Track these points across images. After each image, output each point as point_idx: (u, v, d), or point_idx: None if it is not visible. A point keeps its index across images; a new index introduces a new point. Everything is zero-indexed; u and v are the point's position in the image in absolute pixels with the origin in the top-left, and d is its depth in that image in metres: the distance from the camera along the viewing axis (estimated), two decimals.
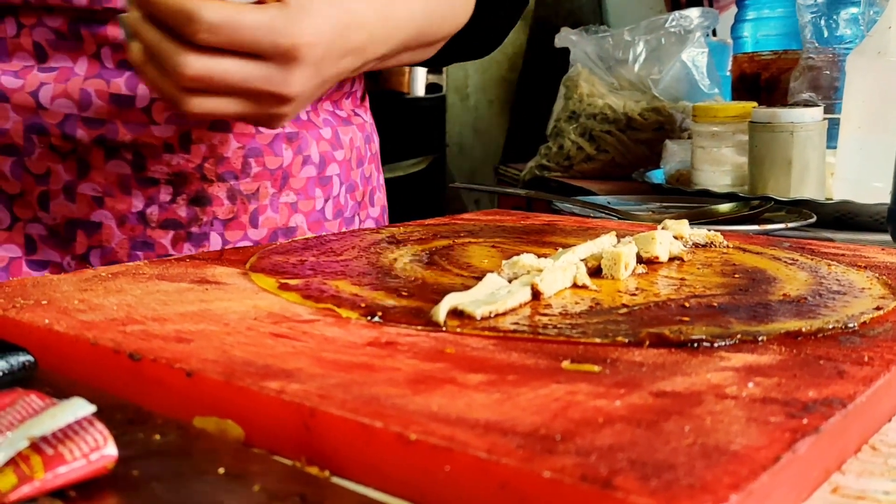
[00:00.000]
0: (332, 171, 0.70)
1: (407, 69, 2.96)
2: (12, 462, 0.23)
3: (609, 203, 0.95)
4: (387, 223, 0.81)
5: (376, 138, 0.81)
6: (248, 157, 0.64)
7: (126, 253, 0.61)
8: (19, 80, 0.58)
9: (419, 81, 3.04)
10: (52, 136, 0.58)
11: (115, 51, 0.59)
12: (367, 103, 0.80)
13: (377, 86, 2.92)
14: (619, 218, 0.83)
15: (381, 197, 0.81)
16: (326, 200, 0.70)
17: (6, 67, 0.58)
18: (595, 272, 0.46)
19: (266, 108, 0.51)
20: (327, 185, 0.70)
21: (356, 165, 0.74)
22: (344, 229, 0.72)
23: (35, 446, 0.23)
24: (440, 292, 0.40)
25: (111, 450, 0.24)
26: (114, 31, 0.58)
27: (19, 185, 0.59)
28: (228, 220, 0.64)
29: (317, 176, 0.69)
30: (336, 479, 0.26)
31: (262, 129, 0.64)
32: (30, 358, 0.32)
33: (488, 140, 2.18)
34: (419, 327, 0.36)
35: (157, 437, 0.27)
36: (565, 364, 0.31)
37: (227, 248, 0.63)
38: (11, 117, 0.58)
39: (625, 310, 0.39)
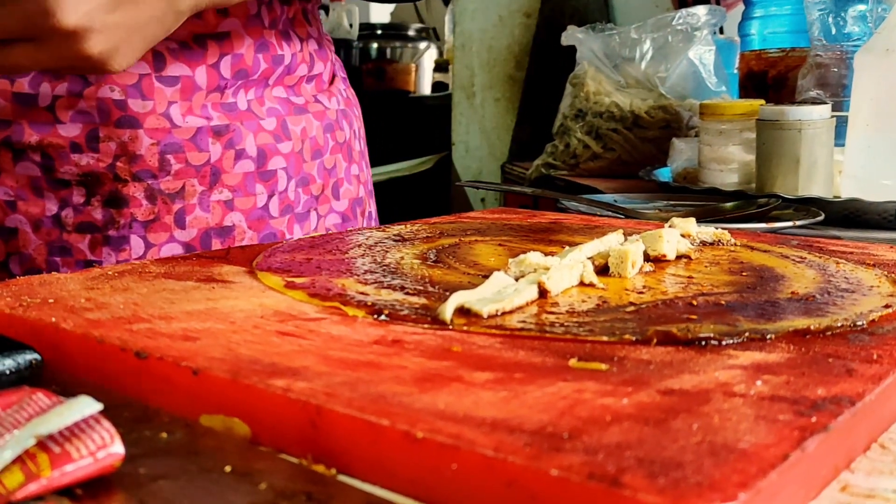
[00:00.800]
0: (275, 164, 0.66)
1: (413, 68, 2.96)
2: (19, 460, 0.23)
3: (616, 201, 0.95)
4: (365, 216, 0.77)
5: (348, 126, 0.76)
6: (166, 154, 0.61)
7: (44, 259, 0.59)
8: None
9: (425, 80, 3.04)
10: None
11: None
12: (337, 87, 0.75)
13: (382, 85, 2.91)
14: (626, 216, 0.83)
15: (350, 189, 0.75)
16: (270, 196, 0.66)
17: None
18: (602, 270, 0.46)
19: (56, 49, 0.47)
20: (270, 179, 0.66)
21: (311, 157, 0.70)
22: (296, 226, 0.69)
23: (42, 444, 0.23)
24: (447, 290, 0.40)
25: (118, 448, 0.24)
26: None
27: None
28: (150, 222, 0.61)
29: (256, 171, 0.65)
30: (342, 478, 0.26)
31: (176, 122, 0.61)
32: (37, 356, 0.32)
33: (494, 138, 2.18)
34: (426, 325, 0.36)
35: (164, 435, 0.27)
36: (572, 362, 0.31)
37: (157, 255, 0.61)
38: None
39: (632, 308, 0.39)
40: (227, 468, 0.25)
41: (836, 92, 1.11)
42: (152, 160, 0.60)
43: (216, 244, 0.64)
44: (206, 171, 0.63)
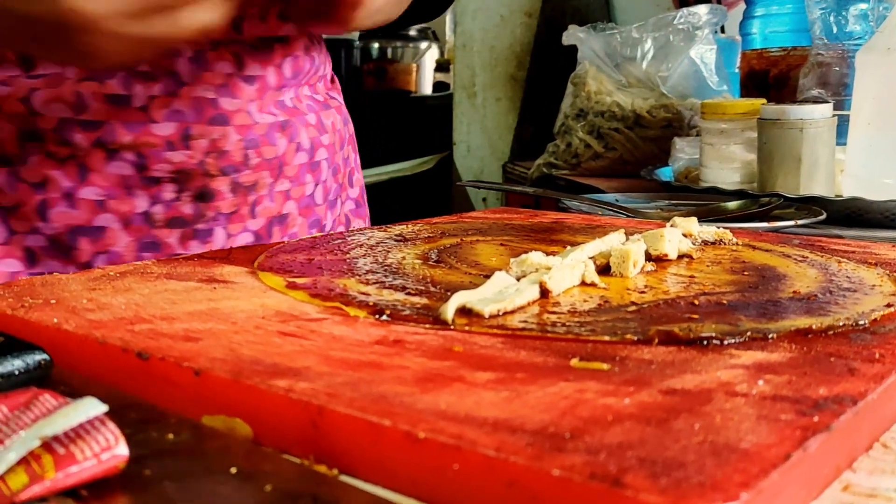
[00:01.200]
0: (320, 155, 0.70)
1: (414, 67, 2.96)
2: (24, 461, 0.23)
3: (617, 201, 0.95)
4: (365, 203, 0.82)
5: (349, 119, 0.81)
6: (248, 149, 0.63)
7: (133, 255, 0.60)
8: (7, 88, 0.57)
9: (426, 80, 3.03)
10: (48, 142, 0.57)
11: None
12: (337, 85, 0.79)
13: (384, 85, 2.91)
14: (628, 216, 0.83)
15: (359, 178, 0.80)
16: (316, 185, 0.70)
17: None
18: (603, 270, 0.46)
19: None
20: (317, 169, 0.70)
21: (339, 148, 0.74)
22: (328, 212, 0.72)
23: (47, 445, 0.23)
24: (448, 290, 0.40)
25: (122, 450, 0.24)
26: None
27: (15, 197, 0.58)
28: (231, 214, 0.63)
29: (308, 162, 0.69)
30: (344, 478, 0.26)
31: (255, 119, 0.63)
32: (45, 356, 0.32)
33: (496, 138, 2.18)
34: (427, 325, 0.36)
35: (170, 436, 0.27)
36: (574, 362, 0.31)
37: (233, 244, 0.63)
38: (3, 126, 0.56)
39: (634, 307, 0.39)
40: (233, 470, 0.25)
41: (838, 91, 1.11)
42: (237, 155, 0.63)
43: (276, 232, 0.67)
44: (276, 164, 0.65)
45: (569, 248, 0.48)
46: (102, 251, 0.59)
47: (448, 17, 2.95)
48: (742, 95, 1.36)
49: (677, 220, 0.57)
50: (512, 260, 0.45)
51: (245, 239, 0.64)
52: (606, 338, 0.34)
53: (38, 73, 0.56)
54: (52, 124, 0.57)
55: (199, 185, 0.62)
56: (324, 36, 0.77)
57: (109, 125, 0.58)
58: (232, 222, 0.64)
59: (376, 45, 2.93)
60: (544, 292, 0.40)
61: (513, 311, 0.38)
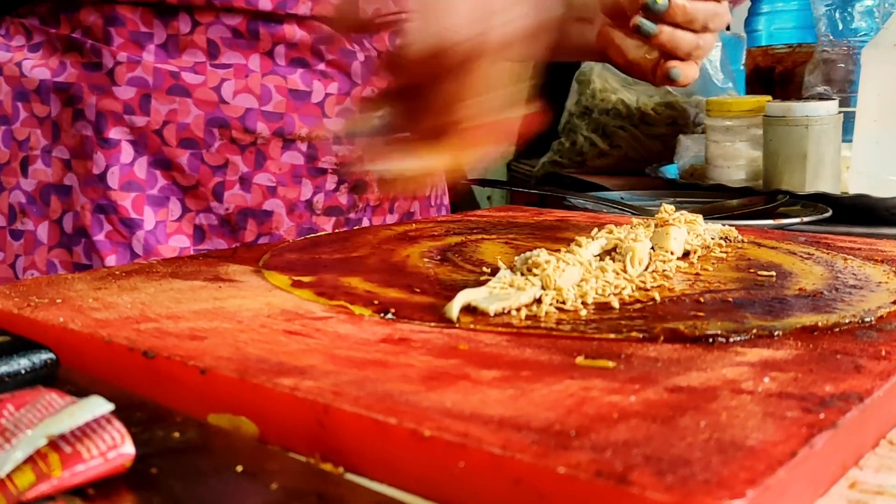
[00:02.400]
0: None
1: None
2: (30, 460, 0.23)
3: (622, 198, 0.95)
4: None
5: None
6: None
7: (293, 238, 0.63)
8: (199, 76, 0.60)
9: None
10: (233, 130, 0.61)
11: (289, 48, 0.62)
12: None
13: None
14: (633, 213, 0.83)
15: None
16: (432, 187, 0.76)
17: (179, 64, 0.60)
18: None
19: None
20: None
21: None
22: (437, 210, 0.78)
23: (53, 444, 0.23)
24: (453, 289, 0.40)
25: (128, 448, 0.24)
26: (290, 31, 0.61)
27: (195, 178, 0.62)
28: (376, 207, 0.69)
29: None
30: (350, 476, 0.26)
31: None
32: (52, 355, 0.32)
33: None
34: (432, 324, 0.36)
35: (176, 434, 0.27)
36: (579, 360, 0.31)
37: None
38: (193, 111, 0.61)
39: (639, 305, 0.39)
40: (239, 468, 0.25)
41: (844, 88, 1.10)
42: None
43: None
44: None
45: (574, 244, 0.48)
46: (266, 233, 0.64)
47: None
48: (747, 92, 1.36)
49: (684, 215, 0.57)
50: (516, 258, 0.45)
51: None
52: (612, 336, 0.34)
53: (222, 62, 0.60)
54: (238, 113, 0.61)
55: (355, 177, 0.66)
56: None
57: (289, 117, 0.62)
58: (376, 214, 0.69)
59: None
60: (548, 290, 0.40)
61: (518, 309, 0.38)
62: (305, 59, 0.62)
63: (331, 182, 0.65)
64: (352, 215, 0.67)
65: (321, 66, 0.63)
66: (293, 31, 0.61)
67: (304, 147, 0.63)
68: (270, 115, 0.62)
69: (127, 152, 0.61)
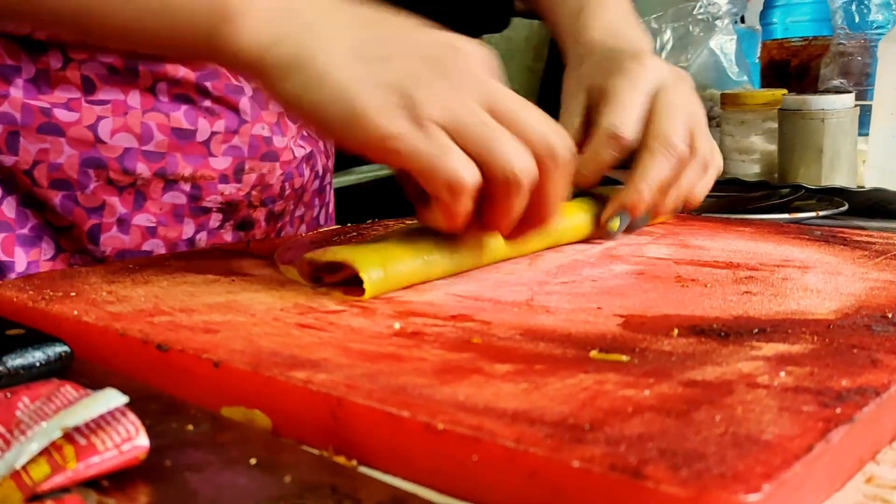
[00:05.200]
0: (327, 179, 0.75)
1: None
2: (46, 452, 0.23)
3: None
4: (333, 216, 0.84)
5: None
6: (285, 181, 0.66)
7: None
8: (74, 114, 0.56)
9: None
10: (111, 171, 0.57)
11: (172, 85, 0.58)
12: None
13: None
14: None
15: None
16: (321, 208, 0.74)
17: (51, 99, 0.56)
18: None
19: None
20: (323, 193, 0.74)
21: (331, 169, 0.78)
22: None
23: (68, 436, 0.24)
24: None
25: (143, 440, 0.24)
26: (172, 68, 0.58)
27: (69, 219, 0.58)
28: (263, 240, 0.65)
29: (318, 187, 0.72)
30: (363, 469, 0.26)
31: (296, 154, 0.66)
32: (66, 348, 0.33)
33: None
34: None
35: (190, 427, 0.27)
36: (593, 353, 0.31)
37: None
38: (66, 151, 0.56)
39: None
40: (252, 461, 0.25)
41: (860, 81, 1.09)
42: (276, 187, 0.65)
43: None
44: (300, 192, 0.69)
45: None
46: None
47: None
48: (762, 86, 1.35)
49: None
50: None
51: None
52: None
53: (99, 98, 0.57)
54: (116, 153, 0.57)
55: (242, 215, 0.64)
56: None
57: (171, 156, 0.59)
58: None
59: None
60: None
61: None
62: (189, 95, 0.59)
63: (215, 220, 0.62)
64: None
65: (207, 103, 0.59)
66: (175, 69, 0.58)
67: (187, 187, 0.60)
68: (151, 155, 0.58)
69: None
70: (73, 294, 0.39)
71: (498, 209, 0.40)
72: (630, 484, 0.21)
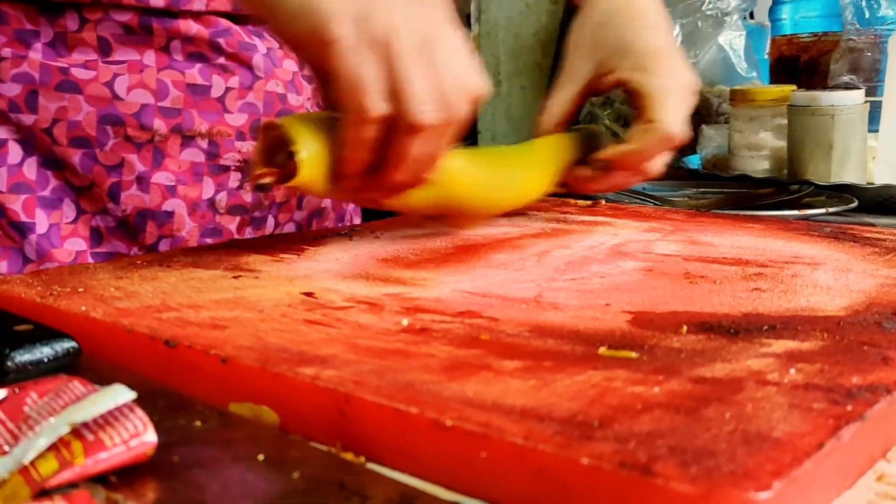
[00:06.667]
0: None
1: None
2: (54, 447, 0.23)
3: (644, 189, 0.94)
4: None
5: None
6: None
7: (196, 240, 0.62)
8: (90, 72, 0.57)
9: None
10: (129, 127, 0.58)
11: (186, 43, 0.59)
12: None
13: None
14: (655, 204, 0.82)
15: None
16: None
17: (68, 61, 0.57)
18: None
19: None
20: None
21: None
22: (353, 207, 0.75)
23: (76, 432, 0.24)
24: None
25: (150, 436, 0.24)
26: (185, 26, 0.58)
27: (89, 178, 0.59)
28: (283, 204, 0.66)
29: None
30: (371, 465, 0.26)
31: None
32: (74, 344, 0.33)
33: (521, 127, 2.17)
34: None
35: (198, 423, 0.27)
36: (602, 350, 0.31)
37: (280, 232, 0.65)
38: (84, 108, 0.57)
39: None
40: (260, 457, 0.25)
41: (870, 77, 1.09)
42: None
43: (314, 223, 0.69)
44: None
45: None
46: (167, 235, 0.61)
47: (472, 5, 2.93)
48: (772, 82, 1.34)
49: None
50: None
51: (289, 228, 0.67)
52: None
53: (115, 58, 0.58)
54: (133, 109, 0.58)
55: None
56: None
57: (188, 113, 0.60)
58: (282, 212, 0.66)
59: None
60: None
61: None
62: (203, 53, 0.59)
63: (234, 180, 0.62)
64: (257, 214, 0.64)
65: (221, 60, 0.60)
66: (188, 26, 0.58)
67: (204, 144, 0.60)
68: (168, 111, 0.59)
69: (15, 152, 0.57)
70: (80, 290, 0.39)
71: (393, 148, 0.43)
72: (639, 481, 0.21)
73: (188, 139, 0.60)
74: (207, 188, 0.61)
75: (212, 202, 0.62)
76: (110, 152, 0.58)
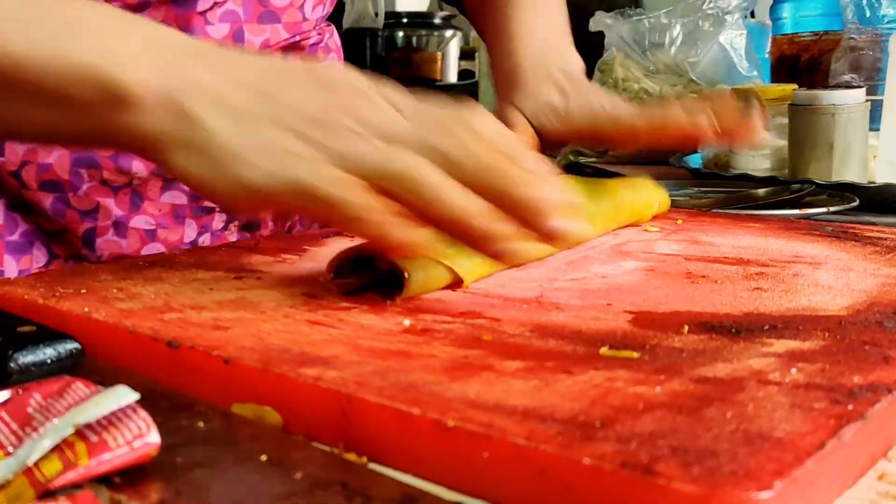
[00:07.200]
0: None
1: (439, 56, 2.96)
2: (57, 449, 0.23)
3: None
4: None
5: None
6: None
7: None
8: None
9: (451, 68, 3.03)
10: (104, 170, 0.54)
11: None
12: None
13: (409, 73, 2.91)
14: None
15: None
16: None
17: None
18: None
19: None
20: None
21: None
22: None
23: (80, 433, 0.24)
24: None
25: (154, 437, 0.24)
26: None
27: (61, 223, 0.55)
28: (271, 238, 0.62)
29: None
30: (373, 466, 0.26)
31: None
32: (77, 345, 0.33)
33: None
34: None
35: (201, 423, 0.27)
36: (604, 350, 0.31)
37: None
38: (56, 150, 0.54)
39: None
40: (263, 457, 0.25)
41: (871, 75, 1.09)
42: None
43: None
44: None
45: None
46: None
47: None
48: (773, 81, 1.34)
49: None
50: None
51: None
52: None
53: None
54: (109, 151, 0.54)
55: (248, 214, 0.61)
56: (346, 25, 0.76)
57: None
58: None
59: (401, 33, 2.93)
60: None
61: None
62: None
63: (218, 221, 0.59)
64: None
65: None
66: None
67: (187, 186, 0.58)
68: None
69: None
70: (83, 291, 0.39)
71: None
72: (641, 481, 0.21)
73: (169, 181, 0.56)
74: (190, 231, 0.59)
75: (194, 245, 0.59)
76: (84, 196, 0.55)
